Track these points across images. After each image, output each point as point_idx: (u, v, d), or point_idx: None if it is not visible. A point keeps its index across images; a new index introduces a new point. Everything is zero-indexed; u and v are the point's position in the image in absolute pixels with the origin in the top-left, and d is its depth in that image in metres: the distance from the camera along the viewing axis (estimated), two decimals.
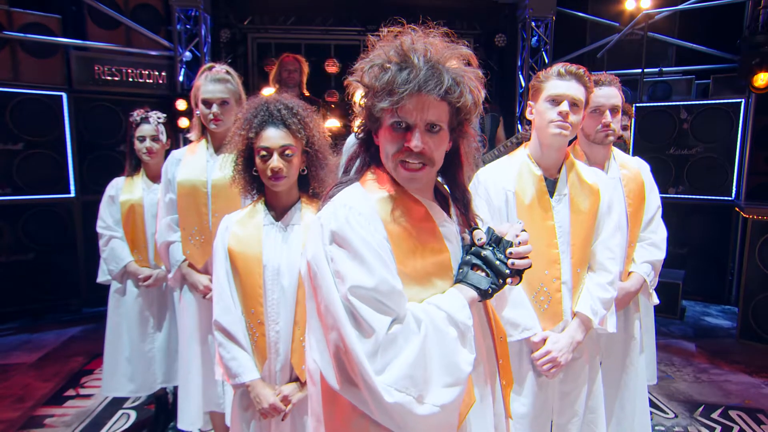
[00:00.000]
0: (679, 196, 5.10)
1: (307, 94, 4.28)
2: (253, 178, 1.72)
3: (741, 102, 4.77)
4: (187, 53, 4.92)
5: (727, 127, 4.86)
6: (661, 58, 5.82)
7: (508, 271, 1.07)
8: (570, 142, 1.78)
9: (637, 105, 5.22)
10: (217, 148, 2.31)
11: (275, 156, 1.62)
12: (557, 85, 1.67)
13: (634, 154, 5.08)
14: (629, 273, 2.07)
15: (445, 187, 1.23)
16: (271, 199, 1.73)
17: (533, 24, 5.08)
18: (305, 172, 1.73)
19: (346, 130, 5.84)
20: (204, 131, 2.33)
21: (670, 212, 4.98)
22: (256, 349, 1.65)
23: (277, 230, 1.69)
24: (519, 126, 5.40)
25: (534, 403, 1.70)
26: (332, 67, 6.12)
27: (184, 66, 4.95)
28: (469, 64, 1.10)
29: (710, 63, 5.58)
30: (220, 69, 2.27)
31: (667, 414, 3.08)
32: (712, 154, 4.96)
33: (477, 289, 1.06)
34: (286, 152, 1.64)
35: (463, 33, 6.16)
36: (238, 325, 1.66)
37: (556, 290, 1.69)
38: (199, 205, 2.23)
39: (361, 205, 1.04)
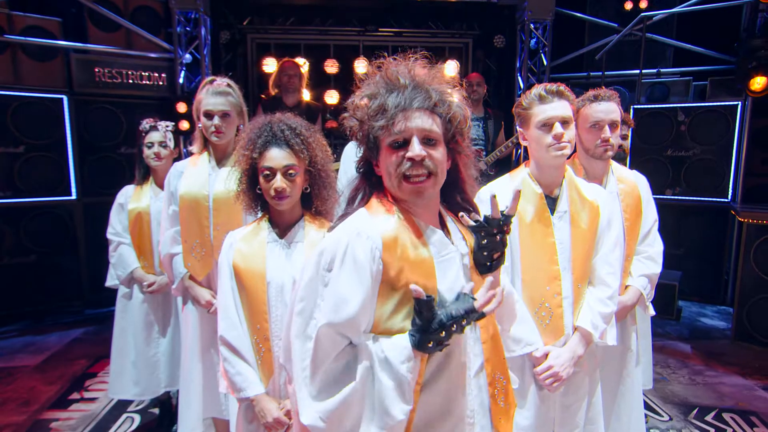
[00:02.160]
0: (676, 197, 5.15)
1: (306, 99, 4.30)
2: (257, 196, 1.75)
3: (738, 104, 4.80)
4: (187, 55, 4.92)
5: (724, 130, 4.90)
6: (659, 59, 5.85)
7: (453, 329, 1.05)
8: (569, 156, 1.82)
9: (635, 107, 5.25)
10: (219, 161, 2.34)
11: (278, 176, 1.66)
12: (543, 109, 1.70)
13: (632, 156, 5.16)
14: (626, 286, 2.11)
15: (443, 209, 1.24)
16: (275, 217, 1.76)
17: (532, 26, 5.09)
18: (308, 191, 1.76)
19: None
20: (206, 144, 2.35)
21: (667, 214, 5.03)
22: (263, 363, 1.69)
23: (281, 248, 1.72)
24: (517, 127, 5.42)
25: (536, 415, 1.75)
26: (331, 68, 6.13)
27: (184, 68, 4.96)
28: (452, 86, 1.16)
29: (708, 64, 5.60)
30: (222, 82, 2.30)
31: (662, 417, 3.14)
32: (708, 156, 5.00)
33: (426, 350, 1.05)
34: (289, 172, 1.67)
35: (462, 33, 6.18)
36: (244, 340, 1.69)
37: (558, 305, 1.73)
38: (201, 218, 2.26)
39: (367, 227, 1.09)
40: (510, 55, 5.57)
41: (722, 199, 4.96)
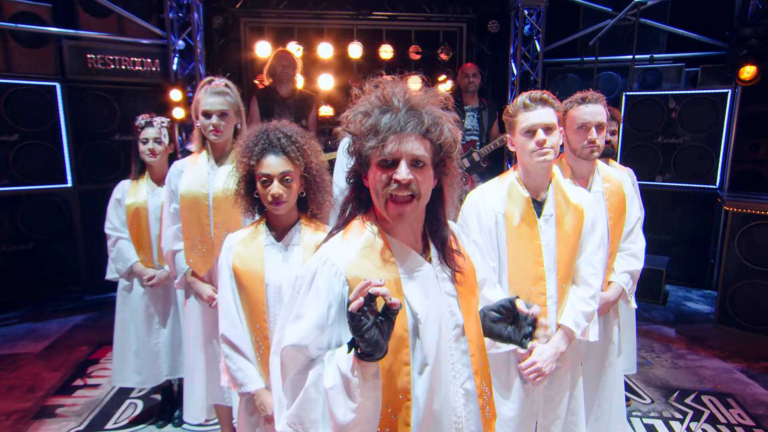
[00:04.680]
0: (665, 183, 5.24)
1: (300, 88, 4.31)
2: (255, 200, 1.81)
3: (728, 92, 4.86)
4: (180, 42, 4.90)
5: (714, 117, 4.98)
6: (652, 44, 5.86)
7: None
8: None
9: (627, 93, 5.30)
10: (218, 159, 2.39)
11: (275, 182, 1.72)
12: (527, 117, 1.78)
13: (623, 142, 5.23)
14: (609, 282, 2.20)
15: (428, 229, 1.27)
16: (272, 220, 1.83)
17: (526, 12, 5.08)
18: (304, 195, 1.83)
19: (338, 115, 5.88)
20: (204, 142, 2.40)
21: (657, 200, 5.14)
22: (262, 361, 1.78)
23: (278, 250, 1.79)
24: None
25: (521, 407, 1.86)
26: (325, 52, 6.10)
27: (177, 55, 4.94)
28: (446, 108, 1.19)
29: (702, 50, 5.63)
30: (220, 82, 2.34)
31: (645, 400, 3.28)
32: (698, 144, 5.08)
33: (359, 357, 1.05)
34: (286, 178, 1.73)
35: (457, 17, 6.15)
36: (244, 338, 1.78)
37: (542, 305, 1.82)
38: (201, 216, 2.33)
39: (335, 254, 1.15)
40: (504, 40, 5.57)
41: (710, 186, 5.06)
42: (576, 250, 1.87)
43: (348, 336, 1.12)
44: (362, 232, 1.18)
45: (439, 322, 1.17)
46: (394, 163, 1.10)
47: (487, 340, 1.33)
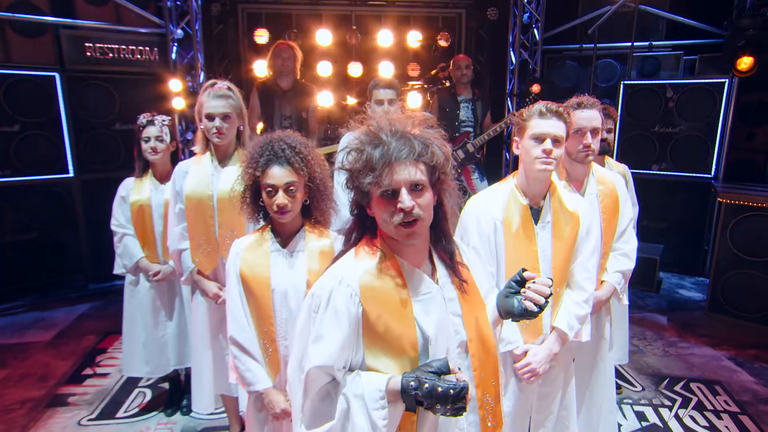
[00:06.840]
0: (661, 172, 5.30)
1: (299, 77, 4.31)
2: (260, 208, 1.88)
3: (725, 82, 4.88)
4: (179, 31, 4.88)
5: (711, 107, 5.01)
6: (651, 31, 5.85)
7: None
8: None
9: (625, 82, 5.32)
10: (221, 161, 2.45)
11: (280, 192, 1.77)
12: (540, 124, 1.82)
13: (620, 133, 5.26)
14: (601, 282, 2.28)
15: (433, 249, 1.33)
16: (277, 227, 1.89)
17: (524, 0, 5.06)
18: (308, 203, 1.89)
19: (338, 108, 5.87)
20: (208, 144, 2.45)
21: (653, 188, 5.22)
22: (270, 362, 1.86)
23: (283, 257, 1.86)
24: (509, 103, 5.47)
25: (516, 404, 1.96)
26: (324, 39, 6.07)
27: (176, 43, 4.92)
28: (431, 125, 1.24)
29: (701, 38, 5.63)
30: (222, 85, 2.38)
31: (636, 387, 3.41)
32: (695, 133, 5.13)
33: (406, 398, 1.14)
34: (290, 188, 1.79)
35: (456, 3, 6.11)
36: (252, 340, 1.86)
37: None
38: (206, 217, 2.39)
39: (349, 274, 1.21)
40: (503, 27, 5.55)
41: (706, 175, 5.12)
42: (571, 255, 1.94)
43: (359, 354, 1.21)
44: (373, 255, 1.24)
45: (446, 341, 1.25)
46: (394, 193, 1.15)
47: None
